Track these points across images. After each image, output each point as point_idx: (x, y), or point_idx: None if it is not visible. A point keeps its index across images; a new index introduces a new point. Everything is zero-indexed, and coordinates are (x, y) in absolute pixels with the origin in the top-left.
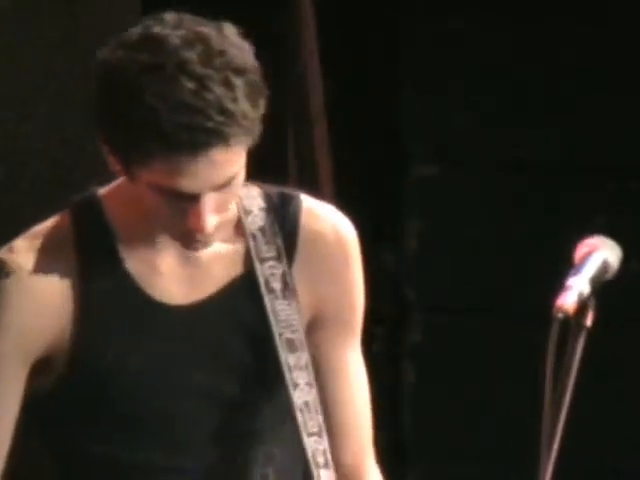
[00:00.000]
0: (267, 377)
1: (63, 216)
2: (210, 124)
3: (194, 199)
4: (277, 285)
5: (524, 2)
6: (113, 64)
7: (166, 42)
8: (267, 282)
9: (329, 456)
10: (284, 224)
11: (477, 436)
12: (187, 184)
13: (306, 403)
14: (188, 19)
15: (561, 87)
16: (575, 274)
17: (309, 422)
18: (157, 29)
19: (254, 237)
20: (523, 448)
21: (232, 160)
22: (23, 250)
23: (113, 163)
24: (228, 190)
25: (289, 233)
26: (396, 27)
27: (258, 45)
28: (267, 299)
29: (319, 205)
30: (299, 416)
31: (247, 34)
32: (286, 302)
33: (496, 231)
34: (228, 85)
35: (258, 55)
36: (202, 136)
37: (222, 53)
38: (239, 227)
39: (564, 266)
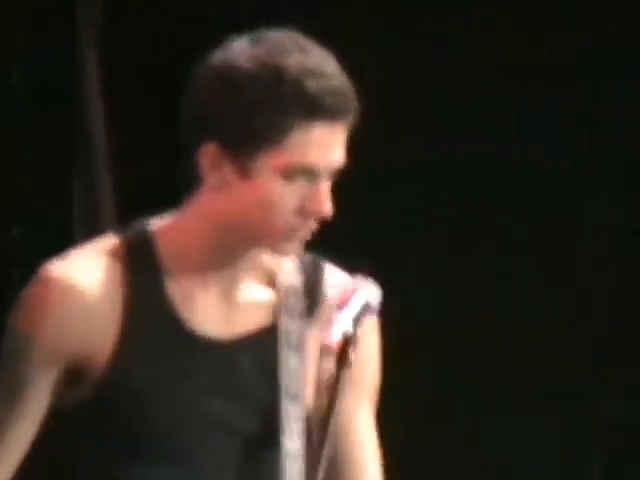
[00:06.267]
0: (276, 423)
1: (116, 243)
2: (349, 91)
3: (318, 179)
4: (294, 339)
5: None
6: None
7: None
8: (287, 336)
9: None
10: (313, 286)
11: None
12: (320, 157)
13: (297, 451)
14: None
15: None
16: (339, 312)
17: (294, 469)
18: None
19: (286, 293)
20: None
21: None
22: (76, 265)
23: (222, 173)
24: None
25: (316, 296)
26: None
27: None
28: (284, 352)
29: (341, 273)
30: (286, 463)
31: None
32: (299, 356)
33: None
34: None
35: None
36: (343, 102)
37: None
38: (273, 280)
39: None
